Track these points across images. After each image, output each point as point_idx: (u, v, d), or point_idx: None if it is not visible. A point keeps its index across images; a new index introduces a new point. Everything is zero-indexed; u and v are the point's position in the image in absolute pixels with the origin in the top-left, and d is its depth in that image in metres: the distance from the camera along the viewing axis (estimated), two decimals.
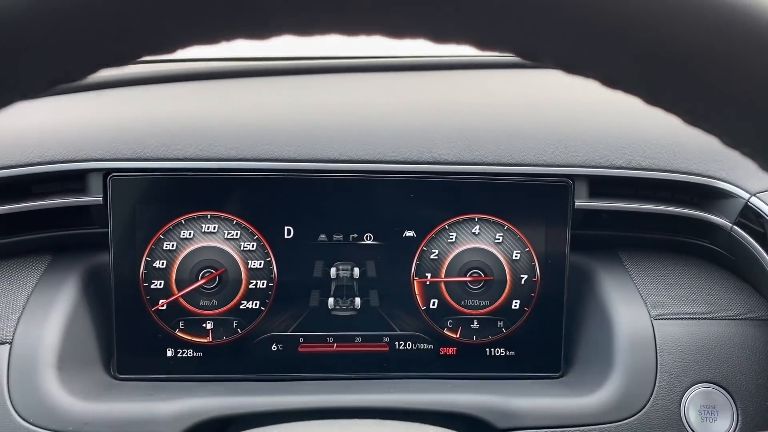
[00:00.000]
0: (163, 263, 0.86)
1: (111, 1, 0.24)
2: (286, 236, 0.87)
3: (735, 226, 0.85)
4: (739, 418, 0.81)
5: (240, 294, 0.88)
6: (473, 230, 0.89)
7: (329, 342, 0.89)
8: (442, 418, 0.80)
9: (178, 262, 0.86)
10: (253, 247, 0.87)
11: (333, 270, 0.88)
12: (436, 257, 0.89)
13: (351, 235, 0.88)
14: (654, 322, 0.86)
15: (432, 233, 0.88)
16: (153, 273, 0.86)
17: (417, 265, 0.89)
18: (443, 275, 0.89)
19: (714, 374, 0.83)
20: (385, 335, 0.89)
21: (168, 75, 1.06)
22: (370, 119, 0.92)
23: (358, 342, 0.89)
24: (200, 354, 0.88)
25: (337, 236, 0.88)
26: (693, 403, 0.81)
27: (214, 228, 0.86)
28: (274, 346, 0.88)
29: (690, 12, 0.25)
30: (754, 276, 0.86)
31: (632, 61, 0.26)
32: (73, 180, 0.86)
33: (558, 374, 0.91)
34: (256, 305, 0.88)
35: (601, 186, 0.89)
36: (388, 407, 0.82)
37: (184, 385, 0.86)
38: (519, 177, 0.88)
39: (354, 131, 0.89)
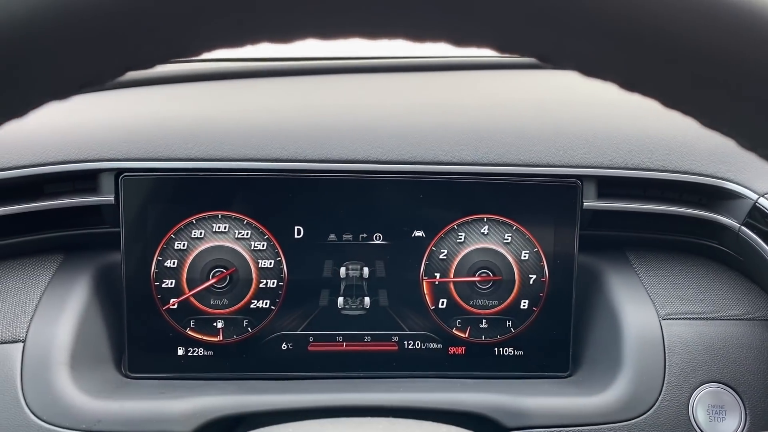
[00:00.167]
0: (174, 262, 0.87)
1: (139, 2, 0.24)
2: (296, 236, 0.88)
3: (743, 227, 0.85)
4: (748, 418, 0.82)
5: (250, 293, 0.88)
6: (482, 230, 0.89)
7: (339, 341, 0.89)
8: (450, 417, 0.81)
9: (189, 261, 0.87)
10: (263, 246, 0.88)
11: (342, 270, 0.89)
12: (445, 257, 0.89)
13: (360, 235, 0.88)
14: (662, 322, 0.86)
15: (441, 233, 0.89)
16: (164, 272, 0.87)
17: (426, 265, 0.89)
18: (452, 275, 0.89)
19: (722, 374, 0.83)
20: (394, 335, 0.90)
21: (179, 75, 1.07)
22: (379, 120, 0.93)
23: (367, 341, 0.90)
24: (211, 353, 0.89)
25: (347, 236, 0.88)
26: (701, 402, 0.82)
27: (225, 228, 0.87)
28: (284, 344, 0.89)
29: (703, 13, 0.25)
30: (762, 276, 0.86)
31: (646, 63, 0.27)
32: (85, 180, 0.86)
33: (566, 374, 0.91)
34: (266, 304, 0.88)
35: (609, 186, 0.89)
36: (397, 406, 0.82)
37: (195, 384, 0.86)
38: (528, 177, 0.88)
39: (364, 132, 0.89)
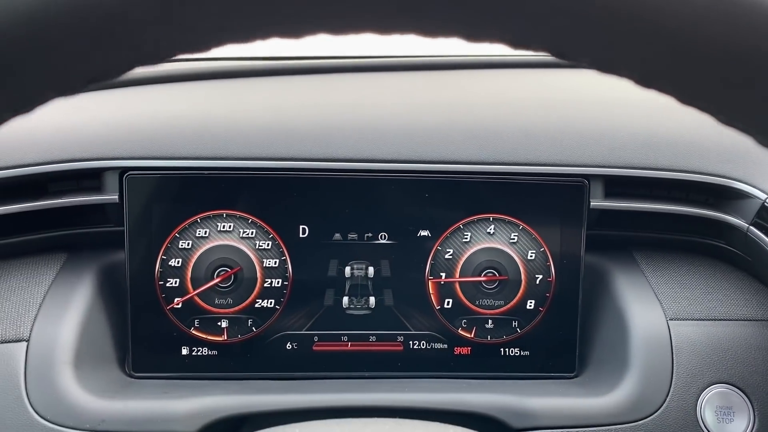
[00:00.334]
0: (178, 261, 0.87)
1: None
2: (301, 235, 0.87)
3: (751, 227, 0.84)
4: (756, 419, 0.81)
5: (255, 292, 0.88)
6: (488, 230, 0.89)
7: (344, 341, 0.89)
8: (456, 417, 0.80)
9: (193, 260, 0.87)
10: (268, 245, 0.87)
11: (348, 269, 0.88)
12: (451, 257, 0.89)
13: (365, 235, 0.88)
14: (670, 322, 0.85)
15: (446, 233, 0.88)
16: (168, 271, 0.87)
17: (431, 264, 0.89)
18: (458, 275, 0.89)
19: (730, 375, 0.83)
20: (400, 334, 0.89)
21: (184, 74, 1.07)
22: (384, 118, 0.92)
23: (372, 341, 0.89)
24: (215, 352, 0.88)
25: (352, 235, 0.88)
26: (709, 403, 0.81)
27: (230, 227, 0.87)
28: (288, 344, 0.89)
29: (723, 7, 0.25)
30: None
31: (665, 58, 0.26)
32: (89, 178, 0.86)
33: (573, 374, 0.90)
34: (271, 304, 0.88)
35: (616, 186, 0.89)
36: (402, 406, 0.82)
37: (199, 383, 0.86)
38: (534, 177, 0.87)
39: (369, 130, 0.89)
